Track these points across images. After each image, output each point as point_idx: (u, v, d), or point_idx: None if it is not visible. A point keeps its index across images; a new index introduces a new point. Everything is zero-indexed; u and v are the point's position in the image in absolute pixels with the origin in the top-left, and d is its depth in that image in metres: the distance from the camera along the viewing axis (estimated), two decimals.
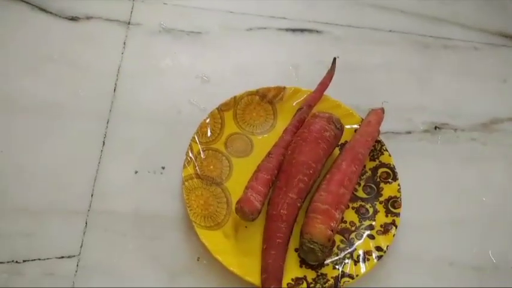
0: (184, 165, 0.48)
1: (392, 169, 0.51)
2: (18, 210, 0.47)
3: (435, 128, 0.57)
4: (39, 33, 0.57)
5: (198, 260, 0.46)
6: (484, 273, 0.49)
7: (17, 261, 0.44)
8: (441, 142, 0.56)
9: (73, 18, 0.58)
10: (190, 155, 0.49)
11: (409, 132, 0.56)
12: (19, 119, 0.51)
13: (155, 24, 0.59)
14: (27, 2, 0.58)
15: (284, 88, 0.54)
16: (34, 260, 0.44)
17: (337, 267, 0.46)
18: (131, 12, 0.60)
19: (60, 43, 0.57)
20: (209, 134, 0.51)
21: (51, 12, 0.58)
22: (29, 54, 0.55)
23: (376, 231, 0.48)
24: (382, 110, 0.53)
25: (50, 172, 0.49)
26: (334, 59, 0.55)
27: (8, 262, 0.44)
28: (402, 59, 0.62)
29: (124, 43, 0.58)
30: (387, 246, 0.47)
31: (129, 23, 0.59)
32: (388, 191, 0.50)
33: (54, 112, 0.52)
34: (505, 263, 0.50)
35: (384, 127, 0.53)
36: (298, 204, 0.47)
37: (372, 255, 0.46)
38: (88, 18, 0.59)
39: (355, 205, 0.49)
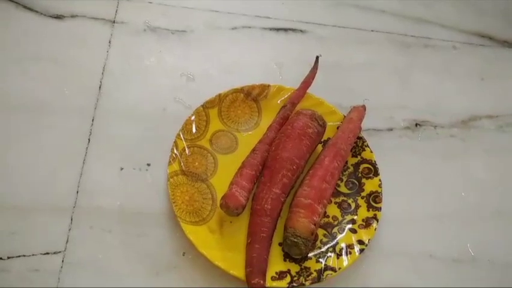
0: (169, 161, 0.49)
1: (374, 165, 0.52)
2: (2, 207, 0.47)
3: (416, 125, 0.59)
4: (24, 32, 0.57)
5: (183, 255, 0.47)
6: (462, 266, 0.51)
7: (1, 258, 0.44)
8: (421, 139, 0.58)
9: (58, 17, 0.58)
10: (176, 151, 0.50)
11: (390, 129, 0.58)
12: (4, 117, 0.51)
13: (140, 22, 0.60)
14: (11, 0, 0.58)
15: (268, 86, 0.55)
16: (19, 256, 0.44)
17: (320, 260, 0.47)
18: (116, 10, 0.60)
19: (45, 41, 0.57)
20: (194, 131, 0.52)
21: (36, 11, 0.58)
22: (13, 53, 0.55)
23: (358, 225, 0.49)
24: (364, 107, 0.54)
25: (36, 169, 0.49)
26: (317, 57, 0.56)
27: None
28: (384, 58, 0.63)
29: (109, 41, 0.58)
30: (369, 240, 0.48)
31: (114, 22, 0.59)
32: (369, 186, 0.51)
33: (39, 110, 0.52)
34: (482, 255, 0.51)
35: (365, 124, 0.54)
36: (282, 199, 0.47)
37: (354, 248, 0.47)
38: (73, 16, 0.59)
39: (337, 200, 0.51)
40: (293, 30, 0.63)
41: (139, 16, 0.60)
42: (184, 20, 0.61)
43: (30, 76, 0.54)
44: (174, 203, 0.47)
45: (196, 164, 0.50)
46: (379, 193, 0.50)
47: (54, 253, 0.45)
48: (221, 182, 0.49)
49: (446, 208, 0.54)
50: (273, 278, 0.45)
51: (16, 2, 0.58)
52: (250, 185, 0.48)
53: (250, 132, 0.54)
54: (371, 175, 0.51)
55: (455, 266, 0.50)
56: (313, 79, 0.55)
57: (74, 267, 0.45)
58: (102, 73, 0.56)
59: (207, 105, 0.53)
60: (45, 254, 0.45)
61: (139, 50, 0.58)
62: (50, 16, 0.58)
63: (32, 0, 0.59)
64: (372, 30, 0.65)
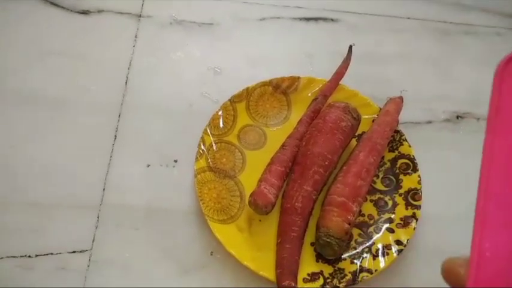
0: (196, 158, 0.47)
1: (412, 160, 0.49)
2: (30, 204, 0.46)
3: (457, 117, 0.55)
4: (51, 28, 0.57)
5: (211, 255, 0.45)
6: None
7: (29, 256, 0.44)
8: (463, 132, 0.54)
9: (84, 12, 0.58)
10: (203, 147, 0.48)
11: (429, 122, 0.54)
12: (30, 113, 0.51)
13: (166, 16, 0.59)
14: None
15: (298, 78, 0.53)
16: (46, 254, 0.44)
17: (355, 261, 0.44)
18: (142, 4, 0.59)
19: (71, 37, 0.56)
20: (221, 126, 0.50)
21: (62, 7, 0.58)
22: (40, 49, 0.55)
23: (396, 225, 0.46)
24: (401, 98, 0.51)
25: (62, 166, 0.48)
26: (350, 46, 0.53)
27: (20, 256, 0.44)
28: (421, 46, 0.60)
29: (135, 36, 0.57)
30: (407, 240, 0.45)
31: (140, 16, 0.58)
32: (408, 182, 0.48)
33: (66, 106, 0.52)
34: None
35: (403, 117, 0.51)
36: (314, 197, 0.45)
37: (391, 249, 0.44)
38: (99, 11, 0.58)
39: (373, 198, 0.48)
40: (324, 19, 0.60)
41: (165, 9, 0.59)
42: (211, 12, 0.59)
43: (57, 72, 0.54)
44: (201, 200, 0.45)
45: (224, 160, 0.49)
46: (418, 190, 0.47)
47: (81, 251, 0.44)
48: (249, 178, 0.47)
49: None
50: (304, 280, 0.43)
51: None
52: (280, 182, 0.45)
53: (279, 127, 0.52)
54: (409, 171, 0.48)
55: None
56: (346, 70, 0.52)
57: (100, 265, 0.44)
58: (129, 68, 0.55)
59: (234, 100, 0.51)
60: (72, 252, 0.44)
61: (165, 43, 0.57)
62: (77, 12, 0.58)
63: None
64: (408, 18, 0.61)
